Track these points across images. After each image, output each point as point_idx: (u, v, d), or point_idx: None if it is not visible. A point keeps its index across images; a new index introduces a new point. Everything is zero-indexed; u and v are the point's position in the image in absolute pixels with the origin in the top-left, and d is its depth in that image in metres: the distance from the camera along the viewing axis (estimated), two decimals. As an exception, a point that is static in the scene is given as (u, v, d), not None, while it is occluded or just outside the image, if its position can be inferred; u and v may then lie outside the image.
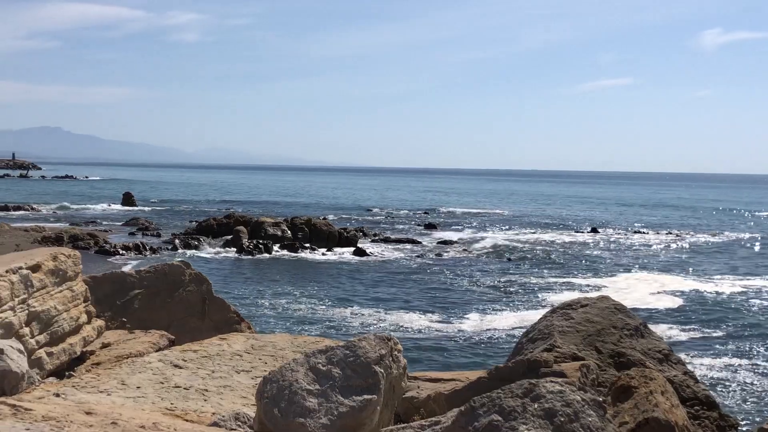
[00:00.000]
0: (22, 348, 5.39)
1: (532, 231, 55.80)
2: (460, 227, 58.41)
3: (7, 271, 6.46)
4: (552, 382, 4.12)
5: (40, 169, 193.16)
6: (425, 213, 73.72)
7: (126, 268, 19.45)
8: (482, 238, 49.92)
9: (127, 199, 72.76)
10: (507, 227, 59.39)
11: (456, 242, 46.99)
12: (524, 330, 20.44)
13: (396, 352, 4.74)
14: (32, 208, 63.95)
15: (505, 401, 4.00)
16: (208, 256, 37.71)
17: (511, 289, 29.39)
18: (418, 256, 39.46)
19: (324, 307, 24.72)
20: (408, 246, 44.25)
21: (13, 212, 59.77)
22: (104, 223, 53.68)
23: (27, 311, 6.61)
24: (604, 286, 29.98)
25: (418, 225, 59.00)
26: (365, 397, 4.43)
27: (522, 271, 34.97)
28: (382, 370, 4.55)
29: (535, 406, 3.99)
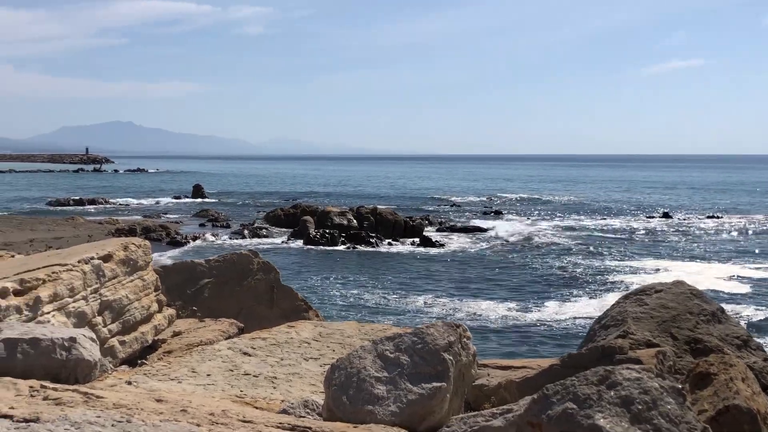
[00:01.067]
0: (94, 336, 5.46)
1: (602, 217, 54.82)
2: (526, 214, 57.76)
3: (79, 261, 6.57)
4: (629, 368, 3.97)
5: (112, 162, 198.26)
6: (491, 200, 73.14)
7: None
8: (550, 225, 49.30)
9: (197, 191, 74.11)
10: (575, 213, 58.50)
11: (523, 229, 46.51)
12: (595, 317, 20.06)
13: (465, 339, 4.64)
14: (106, 202, 65.67)
15: (579, 389, 3.87)
16: (275, 245, 38.11)
17: (581, 276, 28.90)
18: (484, 244, 39.16)
19: (391, 295, 24.72)
20: (474, 234, 43.96)
21: (87, 206, 61.49)
22: (175, 214, 54.78)
23: (99, 300, 6.72)
24: (678, 272, 29.24)
25: (484, 213, 58.57)
26: (434, 384, 4.34)
27: (591, 257, 34.37)
28: (451, 357, 4.46)
29: (612, 393, 3.85)
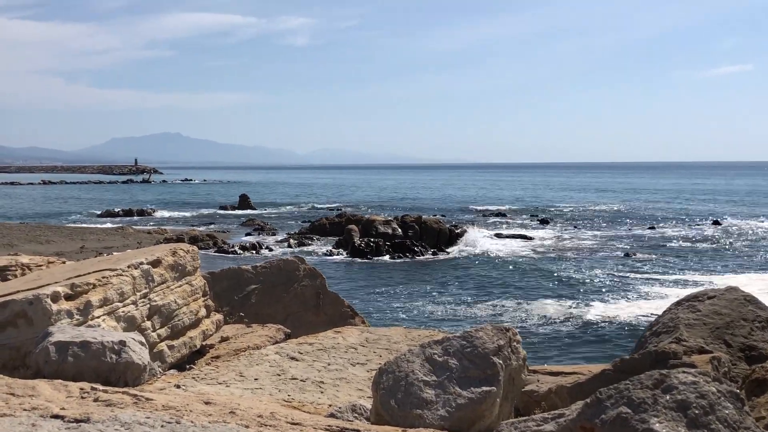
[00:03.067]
0: (143, 340, 5.51)
1: (649, 224, 53.95)
2: (572, 221, 57.12)
3: (129, 267, 6.64)
4: (684, 372, 3.86)
5: (161, 173, 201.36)
6: (537, 208, 72.54)
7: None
8: (596, 232, 48.71)
9: (244, 201, 74.84)
10: (622, 221, 57.68)
11: (569, 236, 46.03)
12: (645, 323, 19.68)
13: (515, 343, 4.57)
14: (154, 212, 66.69)
15: (634, 393, 3.77)
16: (320, 254, 38.24)
17: (630, 283, 28.45)
18: (530, 251, 38.82)
19: (436, 303, 24.61)
20: (521, 241, 43.60)
21: (136, 216, 62.50)
22: (222, 224, 55.37)
23: (148, 305, 6.78)
24: (729, 278, 28.62)
25: (531, 220, 58.10)
26: (484, 388, 4.28)
27: (641, 264, 33.83)
28: (501, 361, 4.39)
29: (667, 397, 3.74)
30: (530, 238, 44.69)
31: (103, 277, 6.30)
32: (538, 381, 5.81)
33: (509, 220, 58.91)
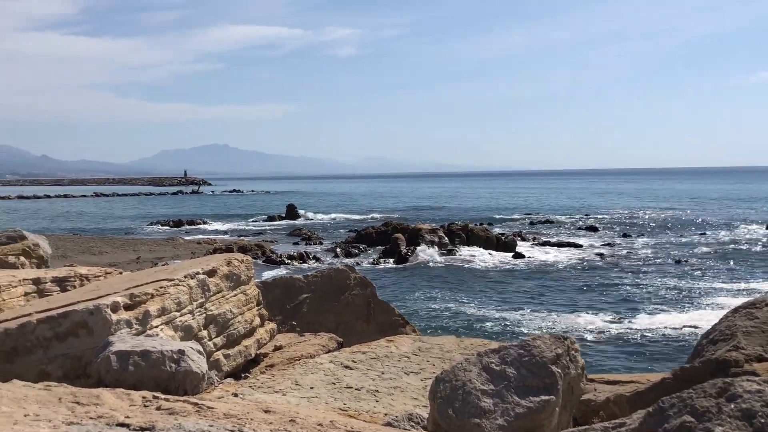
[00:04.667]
0: (201, 349, 5.58)
1: (701, 232, 52.96)
2: (622, 228, 56.31)
3: (185, 276, 6.74)
4: (749, 380, 3.78)
5: (210, 185, 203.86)
6: (585, 215, 71.71)
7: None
8: (646, 239, 47.98)
9: (291, 211, 75.39)
10: (673, 227, 56.76)
11: (619, 244, 45.41)
12: (698, 332, 19.29)
13: (573, 352, 4.53)
14: (204, 222, 67.54)
15: (697, 401, 3.71)
16: (367, 263, 38.31)
17: (682, 291, 27.96)
18: (580, 259, 38.40)
19: (486, 311, 24.47)
20: (569, 249, 43.14)
21: (186, 227, 63.36)
22: (270, 233, 55.84)
23: (204, 315, 6.88)
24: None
25: (579, 228, 57.45)
26: (542, 397, 4.25)
27: (692, 271, 33.23)
28: (560, 370, 4.36)
29: (731, 406, 3.67)
30: (578, 246, 44.22)
31: (161, 287, 6.40)
32: (595, 390, 5.75)
33: (558, 227, 58.38)
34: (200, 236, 52.48)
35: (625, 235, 51.20)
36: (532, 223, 63.17)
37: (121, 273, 9.05)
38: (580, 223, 62.06)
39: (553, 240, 47.49)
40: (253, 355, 7.55)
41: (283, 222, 68.88)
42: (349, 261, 38.30)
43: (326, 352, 7.68)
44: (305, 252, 40.71)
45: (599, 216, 70.44)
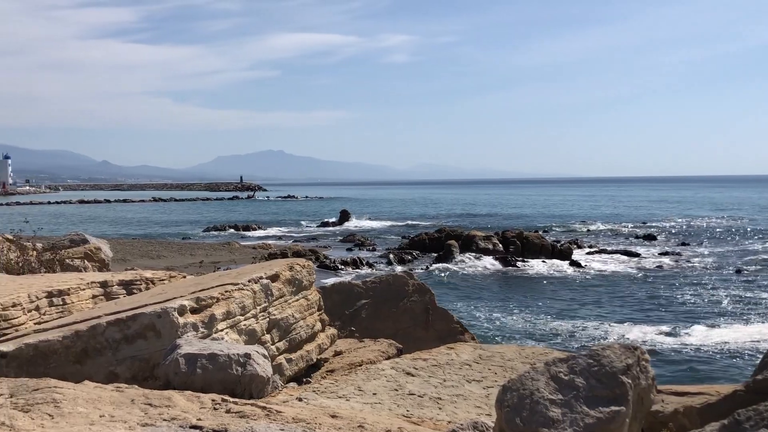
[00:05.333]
0: (266, 353, 5.63)
1: (762, 241, 51.64)
2: (680, 237, 55.22)
3: (249, 281, 6.82)
4: (831, 396, 3.67)
5: (265, 190, 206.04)
6: (642, 223, 70.49)
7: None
8: (705, 249, 46.96)
9: (344, 216, 75.77)
10: (734, 236, 55.45)
11: (677, 253, 44.52)
12: (760, 345, 18.75)
13: (643, 362, 4.44)
14: (259, 227, 68.27)
15: (776, 416, 3.62)
16: (421, 270, 38.24)
17: (741, 302, 27.28)
18: (637, 268, 37.77)
19: (541, 320, 24.21)
20: (626, 257, 42.46)
21: (242, 231, 64.12)
22: (323, 239, 56.17)
23: (268, 319, 6.94)
24: None
25: (636, 236, 56.47)
26: (612, 408, 4.17)
27: (753, 282, 32.39)
28: (630, 381, 4.28)
29: (812, 422, 3.57)
30: (636, 255, 43.49)
31: (226, 291, 6.49)
32: (663, 401, 5.63)
33: (614, 236, 57.52)
34: (255, 241, 53.05)
35: (683, 244, 50.21)
36: (588, 231, 62.38)
37: (185, 277, 9.19)
38: (638, 231, 61.00)
39: (610, 248, 46.80)
40: (315, 360, 7.60)
41: (337, 228, 69.25)
42: (402, 267, 38.31)
43: (386, 359, 7.68)
44: (358, 258, 40.83)
45: (657, 224, 69.20)
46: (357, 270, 37.42)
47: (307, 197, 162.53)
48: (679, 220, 74.90)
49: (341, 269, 37.51)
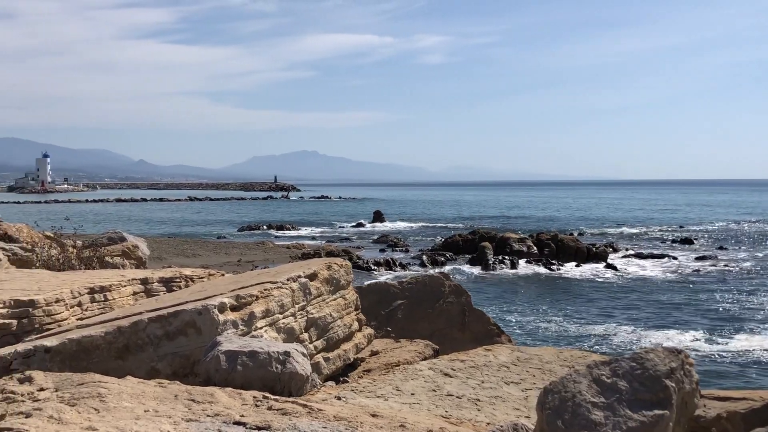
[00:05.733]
0: (305, 351, 5.65)
1: (805, 245, 50.72)
2: (719, 242, 54.42)
3: (288, 279, 6.86)
4: None
5: (298, 190, 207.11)
6: (680, 227, 69.61)
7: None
8: (744, 254, 46.23)
9: (377, 217, 75.87)
10: (774, 241, 54.55)
11: (715, 257, 43.89)
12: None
13: (687, 366, 4.39)
14: (293, 227, 68.62)
15: (827, 423, 3.55)
16: (454, 271, 38.13)
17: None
18: (674, 272, 37.30)
19: (576, 323, 24.02)
20: (663, 261, 41.96)
21: (276, 231, 64.50)
22: (356, 240, 56.27)
23: (306, 318, 6.97)
24: None
25: (673, 240, 55.75)
26: (656, 412, 4.13)
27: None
28: (674, 384, 4.23)
29: None
30: (673, 258, 42.97)
31: (265, 290, 6.53)
32: (705, 406, 5.56)
33: (651, 239, 56.87)
34: (289, 241, 53.30)
35: (721, 248, 49.49)
36: (622, 233, 61.76)
37: (223, 275, 9.26)
38: (675, 234, 60.24)
39: (646, 252, 46.28)
40: (352, 360, 7.62)
41: (370, 228, 69.35)
42: (436, 269, 38.24)
43: (423, 359, 7.67)
44: (392, 259, 40.82)
45: (694, 228, 68.30)
46: (390, 271, 37.43)
47: (340, 198, 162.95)
48: (717, 223, 73.85)
49: (374, 270, 37.53)
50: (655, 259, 42.73)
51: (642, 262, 41.96)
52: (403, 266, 39.32)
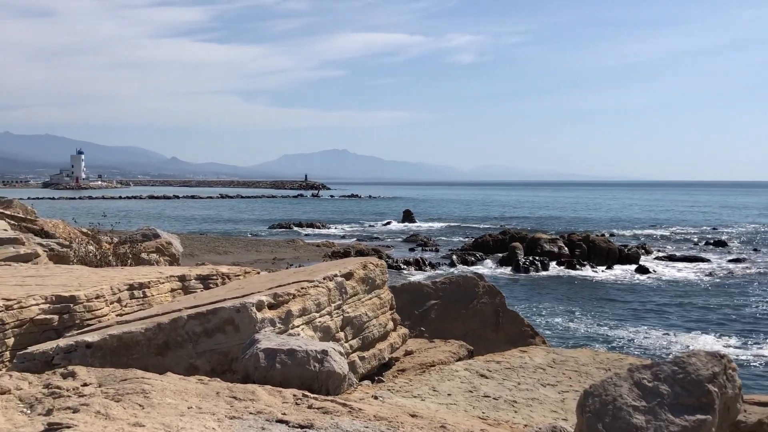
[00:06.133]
0: (342, 350, 5.68)
1: (842, 248, 49.82)
2: (753, 245, 53.65)
3: (324, 278, 6.89)
4: None
5: (329, 189, 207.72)
6: (713, 229, 68.73)
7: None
8: (782, 256, 45.55)
9: (407, 216, 75.83)
10: (811, 244, 53.64)
11: (750, 259, 43.28)
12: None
13: (730, 371, 4.35)
14: (323, 226, 68.83)
15: None
16: (484, 272, 37.97)
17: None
18: (707, 275, 36.84)
19: (608, 325, 23.83)
20: (696, 264, 41.46)
21: (306, 229, 64.76)
22: (386, 239, 56.29)
23: (342, 316, 7.00)
24: None
25: (706, 242, 55.06)
26: (698, 416, 4.10)
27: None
28: (716, 389, 4.19)
29: None
30: (706, 261, 42.44)
31: (302, 288, 6.57)
32: (745, 411, 5.49)
33: (685, 241, 56.20)
34: (319, 239, 53.47)
35: (756, 250, 48.82)
36: (655, 235, 61.13)
37: (258, 273, 9.33)
38: (708, 236, 59.48)
39: (679, 254, 45.76)
40: (387, 359, 7.63)
41: (400, 227, 69.33)
42: (466, 269, 38.12)
43: (457, 360, 7.67)
44: (421, 258, 40.79)
45: (727, 230, 67.40)
46: (420, 271, 37.39)
47: (370, 196, 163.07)
48: (750, 225, 72.83)
49: (404, 269, 37.51)
50: (689, 262, 42.25)
51: (675, 264, 41.51)
52: (433, 266, 39.27)
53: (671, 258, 43.94)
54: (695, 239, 57.70)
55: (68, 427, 3.27)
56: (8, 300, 6.65)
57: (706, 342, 21.28)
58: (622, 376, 4.41)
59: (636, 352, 19.12)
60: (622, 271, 38.01)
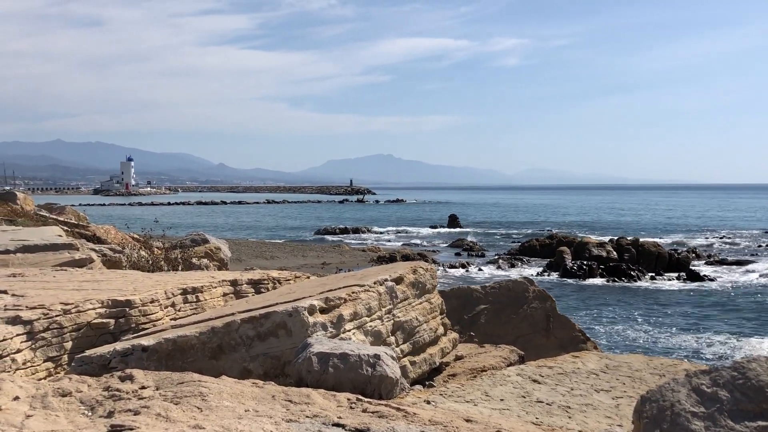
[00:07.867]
0: (394, 355, 5.69)
1: None
2: (810, 248, 52.35)
3: (375, 283, 6.91)
4: None
5: (374, 194, 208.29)
6: (765, 232, 67.25)
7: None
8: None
9: (453, 221, 75.62)
10: None
11: (808, 264, 42.23)
12: None
13: (793, 377, 4.25)
14: (368, 230, 69.01)
15: None
16: (531, 276, 37.64)
17: None
18: (760, 279, 36.04)
19: (660, 331, 23.45)
20: (748, 268, 40.58)
21: (351, 234, 65.01)
22: (432, 243, 56.22)
23: (392, 321, 7.02)
24: None
25: (759, 246, 53.91)
26: (760, 423, 4.01)
27: None
28: (779, 396, 4.10)
29: None
30: (760, 264, 41.52)
31: (353, 292, 6.60)
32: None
33: (737, 245, 55.07)
34: (364, 244, 53.62)
35: (812, 255, 47.64)
36: (706, 239, 60.01)
37: (308, 277, 9.39)
38: (760, 240, 58.22)
39: (731, 258, 44.84)
40: (437, 364, 7.62)
41: (446, 231, 69.18)
42: (513, 273, 37.85)
43: (508, 365, 7.63)
44: (467, 263, 40.62)
45: (783, 233, 65.90)
46: (468, 275, 37.24)
47: (415, 201, 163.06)
48: (808, 229, 71.09)
49: (449, 273, 37.41)
50: (741, 266, 41.38)
51: (726, 268, 40.70)
52: (479, 270, 39.10)
53: (722, 262, 43.10)
54: (747, 243, 56.51)
55: (131, 429, 3.33)
56: (66, 304, 6.80)
57: (759, 348, 20.81)
58: (679, 381, 4.34)
59: (691, 358, 18.78)
60: (672, 276, 37.39)
